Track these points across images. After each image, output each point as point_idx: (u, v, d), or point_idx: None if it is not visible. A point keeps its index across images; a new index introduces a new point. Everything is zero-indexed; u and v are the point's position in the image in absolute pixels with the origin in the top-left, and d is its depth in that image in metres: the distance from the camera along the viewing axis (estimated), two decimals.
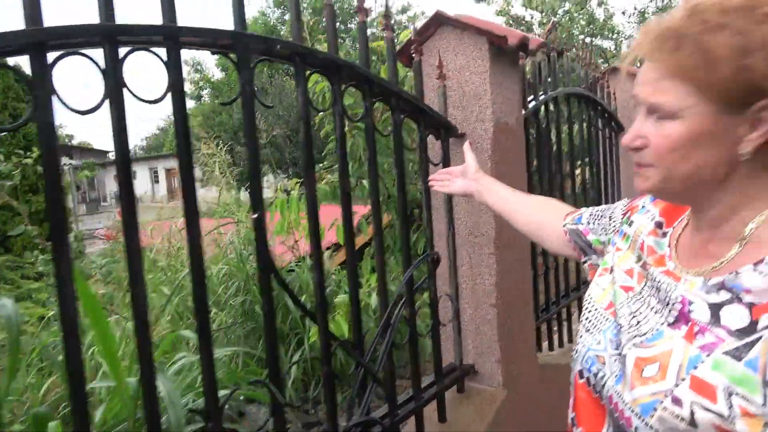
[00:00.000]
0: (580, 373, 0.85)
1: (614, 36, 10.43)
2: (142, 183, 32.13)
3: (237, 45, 1.13)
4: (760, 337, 0.63)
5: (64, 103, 0.85)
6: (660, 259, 0.81)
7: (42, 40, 0.85)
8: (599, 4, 9.20)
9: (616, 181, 3.57)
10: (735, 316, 0.67)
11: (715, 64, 0.63)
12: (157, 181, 32.18)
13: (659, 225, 0.85)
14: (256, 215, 1.13)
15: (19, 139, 7.34)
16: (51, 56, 0.85)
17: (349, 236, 1.48)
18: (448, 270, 1.89)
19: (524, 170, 2.05)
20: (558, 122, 2.64)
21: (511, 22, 9.67)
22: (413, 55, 1.68)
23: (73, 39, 0.89)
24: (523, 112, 2.25)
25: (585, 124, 3.05)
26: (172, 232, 5.70)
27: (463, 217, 1.92)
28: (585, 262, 1.06)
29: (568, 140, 2.88)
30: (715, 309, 0.69)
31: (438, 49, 1.85)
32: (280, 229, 3.84)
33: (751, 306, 0.66)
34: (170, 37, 1.00)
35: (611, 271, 0.90)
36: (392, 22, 1.65)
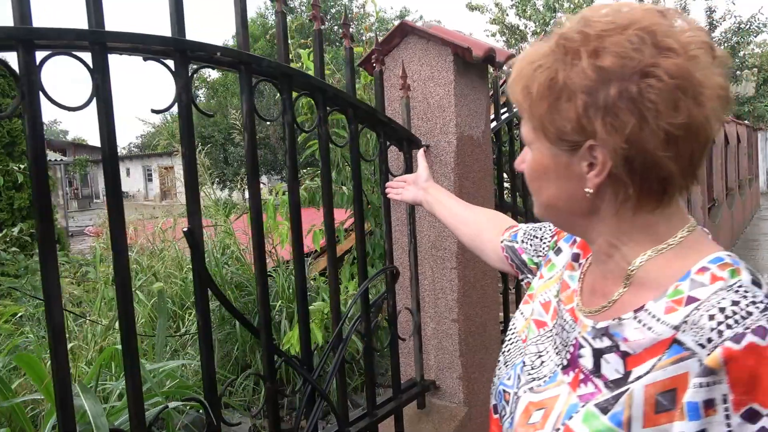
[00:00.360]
0: (495, 408, 0.81)
1: None
2: (136, 181, 32.01)
3: (173, 51, 1.09)
4: (627, 389, 0.60)
5: None
6: (571, 295, 0.77)
7: None
8: None
9: None
10: (611, 366, 0.64)
11: (533, 102, 0.64)
12: (150, 180, 32.07)
13: (576, 257, 0.82)
14: (187, 228, 1.09)
15: (3, 134, 7.27)
16: None
17: (298, 246, 1.44)
18: (409, 283, 1.86)
19: (491, 184, 2.02)
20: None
21: (505, 30, 9.66)
22: (374, 65, 1.64)
23: None
24: (495, 124, 2.22)
25: None
26: (156, 233, 5.65)
27: (426, 230, 1.88)
28: (523, 280, 1.02)
29: None
30: (598, 356, 0.66)
31: (403, 59, 1.82)
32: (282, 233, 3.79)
33: (625, 356, 0.63)
34: (96, 42, 0.97)
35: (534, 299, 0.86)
36: (376, 29, 1.62)
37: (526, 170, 0.71)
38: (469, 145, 1.86)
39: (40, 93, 0.91)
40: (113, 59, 1.01)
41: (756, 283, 0.58)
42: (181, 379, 2.18)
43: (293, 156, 1.37)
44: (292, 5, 23.85)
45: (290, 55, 2.23)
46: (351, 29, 1.56)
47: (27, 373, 1.38)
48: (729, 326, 0.54)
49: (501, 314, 2.30)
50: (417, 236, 1.86)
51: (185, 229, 1.09)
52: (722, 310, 0.56)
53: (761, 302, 0.56)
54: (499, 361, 0.85)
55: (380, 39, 1.80)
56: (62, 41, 0.93)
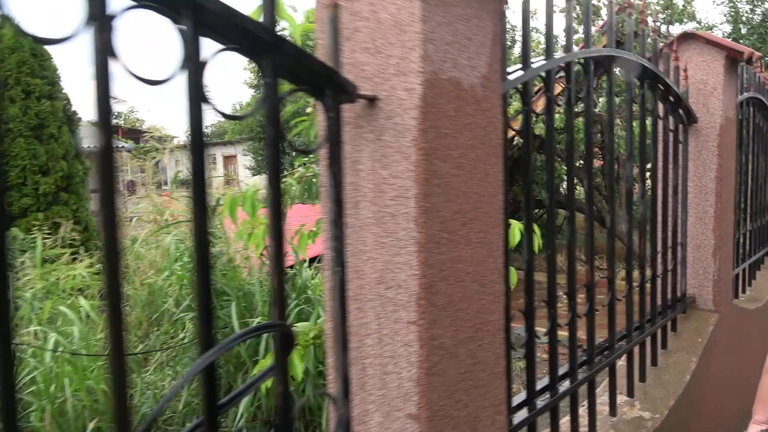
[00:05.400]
0: None
1: (697, 25, 9.05)
2: None
3: None
4: None
5: None
6: None
7: None
8: None
9: (680, 193, 2.57)
10: None
11: None
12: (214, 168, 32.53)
13: None
14: None
15: (31, 116, 6.97)
16: None
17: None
18: (332, 346, 1.04)
19: (499, 170, 1.16)
20: (568, 98, 1.73)
21: None
22: None
23: None
24: (521, 74, 1.37)
25: (638, 109, 2.10)
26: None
27: (370, 249, 1.05)
28: None
29: (610, 132, 1.95)
30: None
31: None
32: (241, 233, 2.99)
33: None
34: None
35: None
36: None
37: None
38: (451, 95, 1.02)
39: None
40: None
41: None
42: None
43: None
44: None
45: None
46: None
47: None
48: None
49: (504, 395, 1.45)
50: (348, 259, 1.05)
51: None
52: None
53: None
54: None
55: None
56: None
